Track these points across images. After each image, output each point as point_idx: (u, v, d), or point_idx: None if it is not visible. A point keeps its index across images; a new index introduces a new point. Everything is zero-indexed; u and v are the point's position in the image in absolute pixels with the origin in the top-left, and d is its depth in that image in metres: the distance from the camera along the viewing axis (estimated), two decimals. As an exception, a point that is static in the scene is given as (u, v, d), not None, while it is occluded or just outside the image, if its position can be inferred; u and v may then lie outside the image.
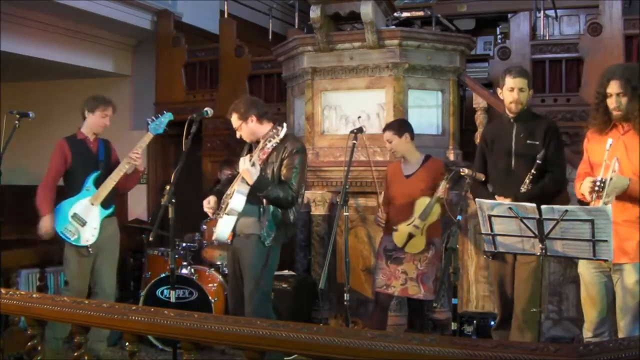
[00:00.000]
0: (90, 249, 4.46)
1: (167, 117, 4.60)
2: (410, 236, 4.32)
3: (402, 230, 4.34)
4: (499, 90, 3.99)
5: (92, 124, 4.59)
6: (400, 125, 4.58)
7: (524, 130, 3.84)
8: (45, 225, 4.45)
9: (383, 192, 4.78)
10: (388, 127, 4.60)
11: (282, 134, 3.76)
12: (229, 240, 4.05)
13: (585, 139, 3.48)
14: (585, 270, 3.38)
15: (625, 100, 3.19)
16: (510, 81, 3.83)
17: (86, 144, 4.60)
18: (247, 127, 3.98)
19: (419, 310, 4.63)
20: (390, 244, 4.52)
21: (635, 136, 3.22)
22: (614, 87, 3.22)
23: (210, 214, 4.09)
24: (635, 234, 3.17)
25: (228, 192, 4.00)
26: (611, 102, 3.24)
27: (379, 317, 4.61)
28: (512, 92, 3.82)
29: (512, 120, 3.91)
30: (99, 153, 4.63)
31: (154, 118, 4.59)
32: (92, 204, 4.48)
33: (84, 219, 4.46)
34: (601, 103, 3.31)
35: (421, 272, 4.40)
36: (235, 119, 4.00)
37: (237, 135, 4.07)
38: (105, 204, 4.53)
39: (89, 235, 4.46)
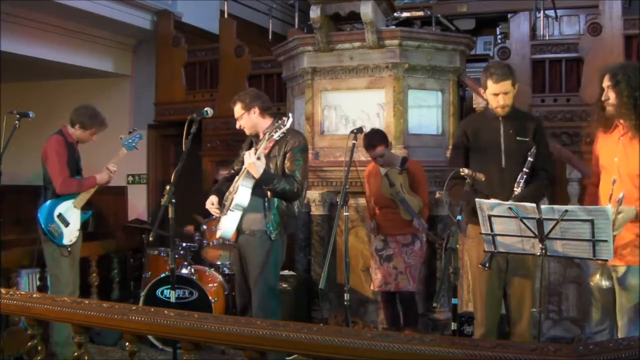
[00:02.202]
0: (69, 249, 4.57)
1: (138, 136, 4.84)
2: (390, 183, 4.56)
3: (393, 175, 4.58)
4: (481, 90, 3.84)
5: (80, 137, 4.69)
6: (384, 138, 4.69)
7: (513, 127, 3.67)
8: (103, 177, 4.65)
9: (366, 197, 4.89)
10: (376, 141, 4.61)
11: (288, 124, 3.76)
12: (232, 240, 4.03)
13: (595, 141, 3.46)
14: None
15: (613, 96, 3.22)
16: (493, 87, 3.61)
17: (73, 147, 4.69)
18: (249, 118, 4.04)
19: (410, 304, 4.69)
20: (379, 244, 4.75)
21: (631, 136, 3.22)
22: (605, 81, 3.28)
23: (216, 214, 4.11)
24: (630, 237, 3.18)
25: (230, 189, 4.01)
26: (604, 95, 3.27)
27: (390, 314, 4.82)
28: (496, 97, 3.63)
29: (498, 116, 3.71)
30: (78, 158, 4.77)
31: (126, 136, 4.78)
32: (75, 207, 4.62)
33: (68, 220, 4.58)
34: (601, 105, 3.32)
35: (409, 265, 4.62)
36: (238, 109, 4.05)
37: (237, 126, 4.12)
38: (83, 209, 4.69)
39: (72, 236, 4.59)
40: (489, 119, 3.76)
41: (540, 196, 3.46)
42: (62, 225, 4.54)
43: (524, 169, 3.54)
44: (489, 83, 3.63)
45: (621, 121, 3.24)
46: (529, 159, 3.55)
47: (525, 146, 3.62)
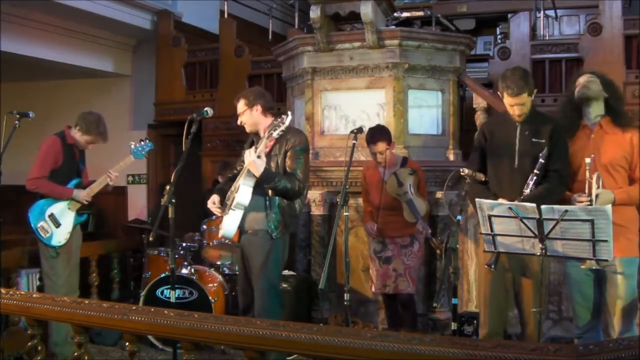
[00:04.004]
0: (57, 251, 4.52)
1: (148, 145, 4.80)
2: (399, 183, 4.51)
3: (402, 175, 4.53)
4: (498, 92, 3.87)
5: (78, 140, 4.66)
6: (388, 134, 4.64)
7: (529, 129, 3.68)
8: (81, 195, 4.57)
9: (363, 197, 4.86)
10: (379, 138, 4.54)
11: (287, 122, 3.76)
12: (231, 241, 4.02)
13: None
14: (571, 267, 3.45)
15: (595, 86, 3.49)
16: (508, 99, 3.64)
17: (73, 149, 4.66)
18: (251, 115, 4.04)
19: (409, 305, 4.67)
20: (377, 246, 4.71)
21: (604, 133, 3.47)
22: (583, 77, 3.56)
23: (218, 213, 4.11)
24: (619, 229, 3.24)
25: (232, 188, 4.01)
26: (577, 89, 3.52)
27: (390, 315, 4.82)
28: (512, 107, 3.66)
29: None
30: (80, 160, 4.74)
31: (137, 144, 4.75)
32: (69, 209, 4.59)
33: (59, 221, 4.55)
34: (568, 103, 3.59)
35: (408, 267, 4.59)
36: (241, 105, 4.07)
37: (238, 121, 4.13)
38: (79, 211, 4.65)
39: (61, 237, 4.55)
40: (508, 120, 3.77)
41: (550, 197, 3.40)
42: (52, 226, 4.51)
43: (535, 170, 3.54)
44: (505, 94, 3.65)
45: (593, 113, 3.50)
46: (540, 160, 3.55)
47: (540, 148, 3.62)
